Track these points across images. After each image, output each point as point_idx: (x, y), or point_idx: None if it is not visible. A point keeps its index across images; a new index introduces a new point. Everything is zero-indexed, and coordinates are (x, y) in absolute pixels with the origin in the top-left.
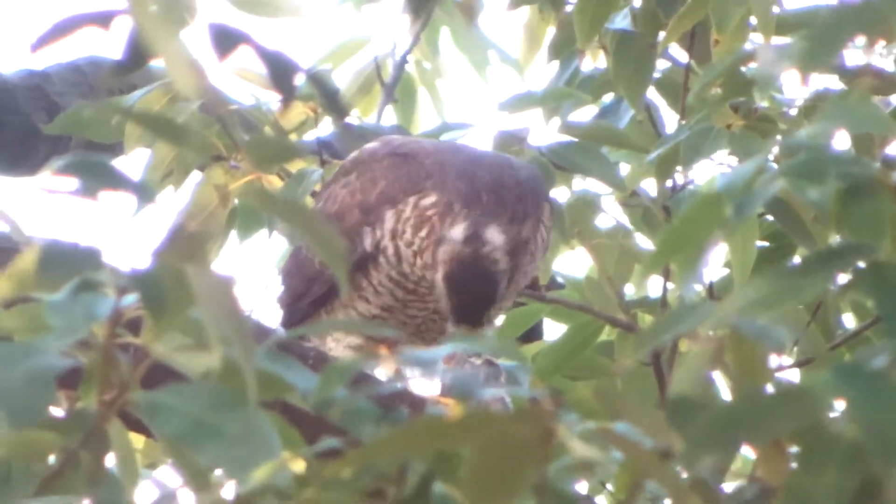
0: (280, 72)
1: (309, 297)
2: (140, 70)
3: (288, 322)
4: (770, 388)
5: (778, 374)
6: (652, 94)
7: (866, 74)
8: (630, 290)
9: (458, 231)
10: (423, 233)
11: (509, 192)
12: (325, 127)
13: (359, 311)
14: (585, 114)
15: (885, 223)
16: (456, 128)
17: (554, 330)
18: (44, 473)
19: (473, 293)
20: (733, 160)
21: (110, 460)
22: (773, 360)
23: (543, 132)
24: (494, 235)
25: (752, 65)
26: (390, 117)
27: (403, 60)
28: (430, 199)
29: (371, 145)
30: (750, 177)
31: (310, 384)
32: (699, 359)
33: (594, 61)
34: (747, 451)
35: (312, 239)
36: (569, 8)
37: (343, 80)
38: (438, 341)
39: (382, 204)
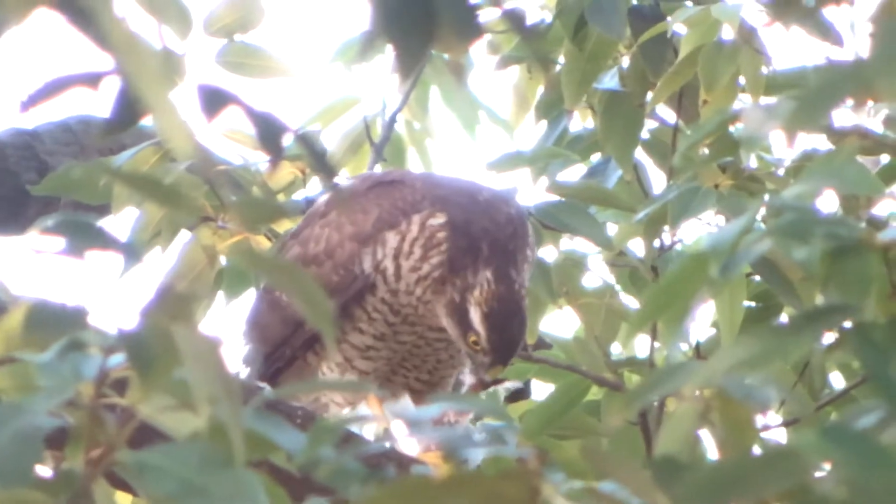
0: (269, 132)
1: (294, 342)
2: (130, 129)
3: (268, 370)
4: (757, 448)
5: (764, 434)
6: (640, 153)
7: (854, 134)
8: (617, 350)
9: (488, 272)
10: (433, 260)
11: (503, 226)
12: (314, 187)
13: (352, 343)
14: (574, 173)
15: (871, 284)
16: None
17: (541, 389)
18: None
19: (512, 331)
20: (721, 219)
21: None
22: (760, 419)
23: (532, 191)
24: (514, 273)
25: (740, 124)
26: None
27: (393, 120)
28: (440, 220)
29: (346, 184)
30: (736, 237)
31: (297, 444)
32: (686, 418)
33: (583, 121)
34: None
35: (300, 298)
36: (557, 68)
37: (332, 139)
38: (421, 371)
39: (381, 230)
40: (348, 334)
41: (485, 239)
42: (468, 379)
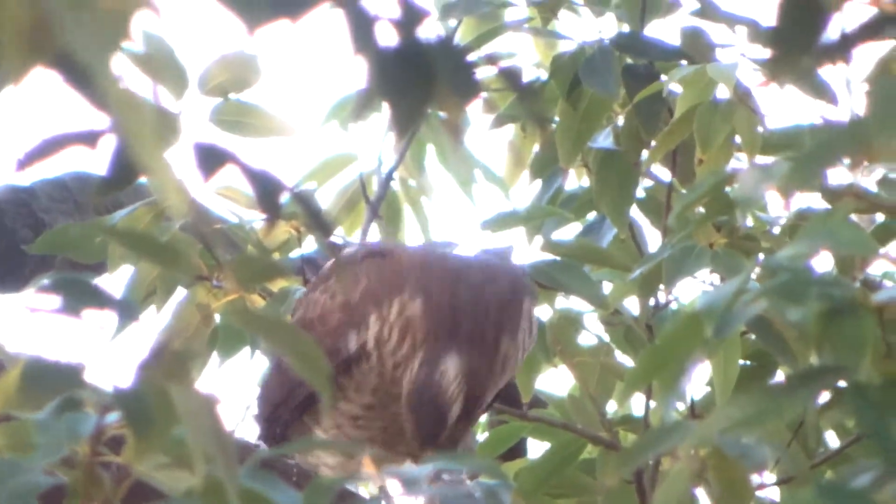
0: (266, 191)
1: (290, 403)
2: (126, 187)
3: (267, 432)
4: None
5: (760, 493)
6: (635, 212)
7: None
8: (612, 408)
9: (420, 357)
10: (404, 350)
11: (487, 310)
12: (309, 245)
13: (342, 410)
14: (568, 232)
15: (866, 344)
16: (440, 246)
17: (536, 448)
18: None
19: (425, 417)
20: (716, 278)
21: None
22: (755, 478)
23: (527, 250)
24: (451, 362)
25: (736, 184)
26: (375, 235)
27: (389, 178)
28: (415, 309)
29: (349, 250)
30: (731, 297)
31: (294, 501)
32: (681, 477)
33: (578, 180)
34: None
35: (295, 358)
36: (552, 126)
37: (328, 197)
38: (405, 448)
39: (366, 304)
40: (338, 402)
41: (464, 324)
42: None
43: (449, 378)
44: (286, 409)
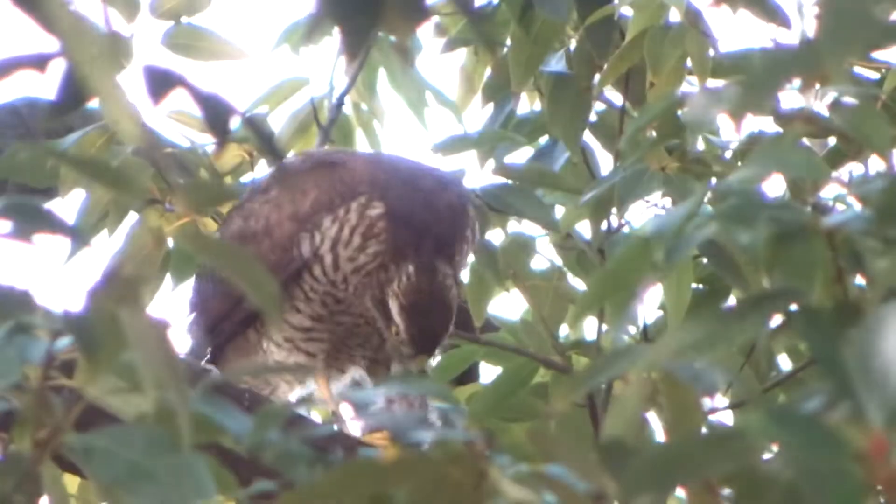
0: (215, 114)
1: (235, 317)
2: (76, 112)
3: (205, 345)
4: (704, 431)
5: (711, 417)
6: (587, 136)
7: (800, 118)
8: (565, 332)
9: (411, 264)
10: (370, 250)
11: (442, 215)
12: (261, 169)
13: (291, 323)
14: (521, 156)
15: (816, 267)
16: (387, 155)
17: (489, 372)
18: None
19: (433, 322)
20: (668, 202)
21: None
22: (707, 402)
23: (479, 174)
24: (443, 264)
25: (687, 108)
26: None
27: (340, 102)
28: (377, 210)
29: (289, 161)
30: (682, 221)
31: (244, 427)
32: (632, 401)
33: (530, 104)
34: (681, 494)
35: (245, 281)
36: (504, 50)
37: (280, 121)
38: (366, 349)
39: (318, 211)
40: (287, 313)
41: (425, 232)
42: (394, 367)
43: (449, 283)
44: (230, 322)
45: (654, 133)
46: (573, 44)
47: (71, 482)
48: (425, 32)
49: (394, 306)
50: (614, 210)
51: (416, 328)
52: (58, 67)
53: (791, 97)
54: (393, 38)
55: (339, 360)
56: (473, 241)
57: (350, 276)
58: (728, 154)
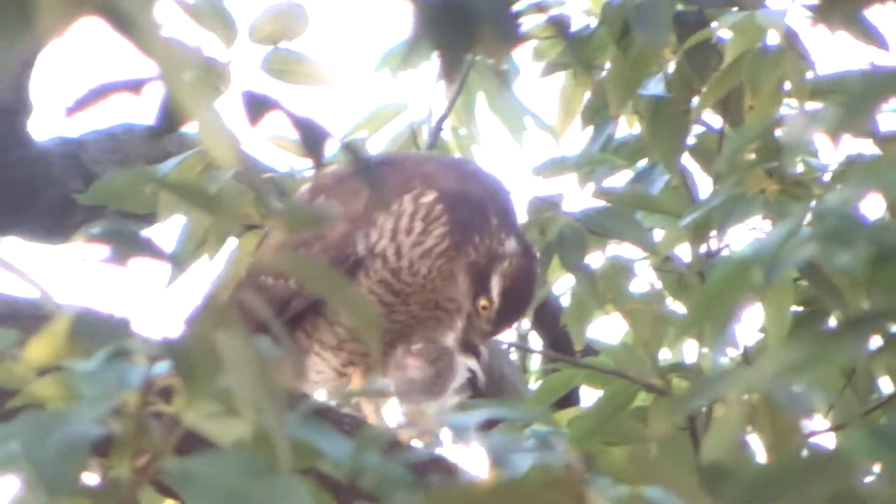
0: (311, 138)
1: (284, 316)
2: (173, 137)
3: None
4: (804, 452)
5: (813, 440)
6: (686, 159)
7: None
8: (665, 356)
9: (513, 243)
10: (436, 232)
11: (492, 188)
12: None
13: (346, 325)
14: (620, 179)
15: None
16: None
17: (589, 396)
18: None
19: (521, 308)
20: (768, 225)
21: None
22: (808, 424)
23: (578, 197)
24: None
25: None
26: None
27: (439, 126)
28: (430, 197)
29: (330, 170)
30: (780, 242)
31: (343, 451)
32: (732, 423)
33: (629, 127)
34: None
35: (344, 305)
36: (603, 74)
37: (379, 146)
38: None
39: (371, 210)
40: (340, 316)
41: (488, 204)
42: (450, 338)
43: (536, 265)
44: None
45: (753, 155)
46: (672, 67)
47: None
48: (524, 56)
49: (497, 284)
50: (714, 233)
51: (508, 310)
52: (154, 92)
53: (890, 119)
54: (490, 61)
55: (383, 363)
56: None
57: (418, 262)
58: (827, 176)
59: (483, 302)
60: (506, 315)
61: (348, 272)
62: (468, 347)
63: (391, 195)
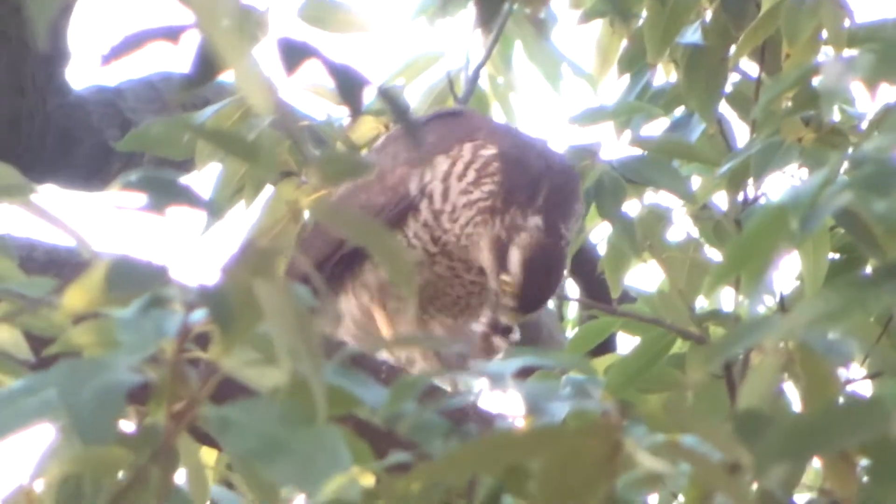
0: (348, 86)
1: (333, 259)
2: (210, 84)
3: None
4: (840, 400)
5: (849, 387)
6: (723, 107)
7: None
8: (701, 303)
9: (538, 220)
10: (486, 188)
11: (555, 168)
12: None
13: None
14: (657, 127)
15: None
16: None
17: (626, 343)
18: (114, 489)
19: (544, 284)
20: (805, 173)
21: (180, 476)
22: (844, 372)
23: (615, 146)
24: (562, 225)
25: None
26: None
27: (476, 75)
28: (491, 150)
29: (415, 116)
30: (816, 190)
31: (380, 398)
32: (768, 371)
33: (666, 75)
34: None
35: (382, 255)
36: (640, 22)
37: (416, 95)
38: (446, 314)
39: (433, 154)
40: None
41: (543, 181)
42: (480, 321)
43: (567, 250)
44: (328, 264)
45: (789, 104)
46: (709, 15)
47: (208, 455)
48: (561, 5)
49: (515, 256)
50: (750, 181)
51: (530, 285)
52: (191, 40)
53: None
54: (527, 10)
55: (423, 319)
56: (579, 218)
57: (461, 210)
58: (864, 124)
59: (504, 276)
60: (528, 292)
61: (401, 213)
62: (496, 328)
63: (452, 140)
